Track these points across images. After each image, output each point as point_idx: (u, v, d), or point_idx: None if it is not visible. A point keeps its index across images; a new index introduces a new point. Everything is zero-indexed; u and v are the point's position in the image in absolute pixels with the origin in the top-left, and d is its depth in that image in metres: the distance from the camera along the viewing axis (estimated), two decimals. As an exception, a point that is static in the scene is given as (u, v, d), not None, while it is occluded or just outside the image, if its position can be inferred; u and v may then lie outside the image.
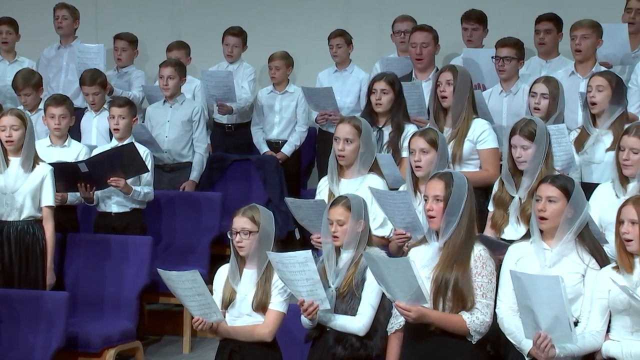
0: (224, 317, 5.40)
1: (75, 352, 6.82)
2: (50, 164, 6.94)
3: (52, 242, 6.86)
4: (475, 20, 8.58)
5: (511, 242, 5.48)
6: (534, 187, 5.45)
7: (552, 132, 5.95)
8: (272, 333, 5.41)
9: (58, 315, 6.62)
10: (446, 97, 6.65)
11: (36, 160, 6.84)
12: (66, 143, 7.57)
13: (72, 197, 7.51)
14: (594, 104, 6.49)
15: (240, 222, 5.38)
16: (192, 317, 5.34)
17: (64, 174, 7.11)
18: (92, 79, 8.10)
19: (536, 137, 5.77)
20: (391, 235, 6.12)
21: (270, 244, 5.40)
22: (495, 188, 6.09)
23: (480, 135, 6.63)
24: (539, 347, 4.76)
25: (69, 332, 6.70)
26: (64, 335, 6.63)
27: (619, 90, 6.49)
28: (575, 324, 4.91)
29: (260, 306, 5.40)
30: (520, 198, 5.86)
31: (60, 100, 7.58)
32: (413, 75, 8.10)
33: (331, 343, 5.36)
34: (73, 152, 7.55)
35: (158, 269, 5.33)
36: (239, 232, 5.38)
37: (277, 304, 5.41)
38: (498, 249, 5.35)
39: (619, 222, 4.92)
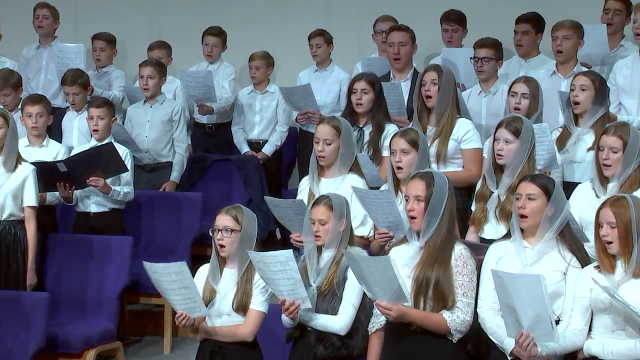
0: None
1: (55, 352, 6.80)
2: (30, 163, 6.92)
3: (34, 243, 6.83)
4: (455, 21, 8.59)
5: (491, 242, 5.50)
6: (514, 185, 5.48)
7: (534, 131, 5.98)
8: (253, 333, 5.41)
9: (38, 315, 6.59)
10: (431, 97, 6.67)
11: (19, 160, 6.82)
12: (44, 143, 7.55)
13: (51, 197, 7.48)
14: (576, 103, 6.51)
15: (223, 220, 5.39)
16: (175, 315, 5.33)
17: (43, 173, 7.08)
18: (74, 78, 8.07)
19: (521, 134, 5.81)
20: (371, 234, 6.14)
21: (252, 245, 5.40)
22: (479, 186, 6.12)
23: (465, 135, 6.66)
24: (521, 345, 4.77)
25: (49, 332, 6.68)
26: (44, 336, 6.61)
27: (602, 90, 6.52)
28: (557, 322, 4.93)
29: (241, 306, 5.40)
30: (499, 195, 5.89)
31: (37, 99, 7.57)
32: (391, 75, 8.10)
33: (312, 342, 5.36)
34: (51, 152, 7.53)
35: (144, 262, 5.31)
36: (221, 230, 5.38)
37: (258, 303, 5.41)
38: (479, 250, 5.36)
39: (598, 224, 4.94)
